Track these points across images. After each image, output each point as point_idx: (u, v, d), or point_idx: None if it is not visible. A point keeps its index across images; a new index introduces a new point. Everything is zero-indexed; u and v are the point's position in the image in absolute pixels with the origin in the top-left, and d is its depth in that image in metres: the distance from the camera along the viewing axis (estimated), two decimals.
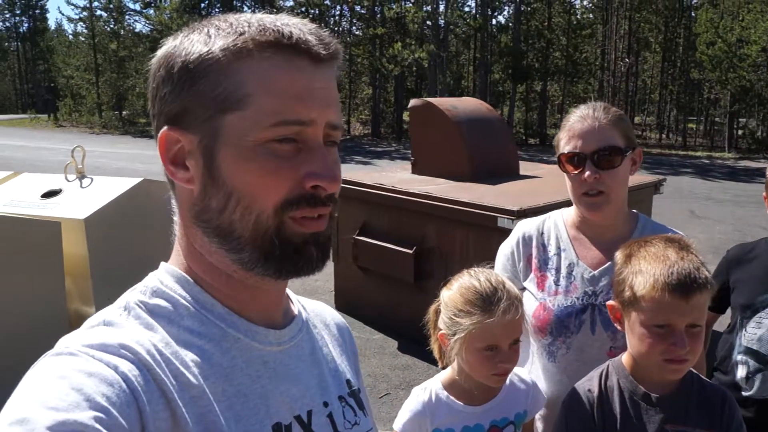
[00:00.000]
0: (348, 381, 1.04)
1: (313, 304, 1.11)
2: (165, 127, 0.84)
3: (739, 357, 2.24)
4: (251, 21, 0.84)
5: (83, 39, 38.18)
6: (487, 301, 1.63)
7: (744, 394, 2.20)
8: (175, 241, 0.93)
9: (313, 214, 0.84)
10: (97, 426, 0.65)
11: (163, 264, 0.92)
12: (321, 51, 0.84)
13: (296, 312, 1.00)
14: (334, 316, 1.14)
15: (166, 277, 0.89)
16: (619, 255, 1.65)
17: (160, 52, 0.86)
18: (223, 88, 0.81)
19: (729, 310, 2.42)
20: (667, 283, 1.46)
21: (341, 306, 6.41)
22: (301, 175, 0.82)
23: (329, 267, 6.82)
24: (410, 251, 5.49)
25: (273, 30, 0.82)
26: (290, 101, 0.82)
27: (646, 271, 1.51)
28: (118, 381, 0.71)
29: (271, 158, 0.81)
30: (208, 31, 0.84)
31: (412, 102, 6.55)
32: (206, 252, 0.88)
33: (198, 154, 0.84)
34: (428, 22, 29.07)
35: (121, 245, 3.86)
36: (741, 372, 2.23)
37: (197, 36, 0.84)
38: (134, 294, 0.87)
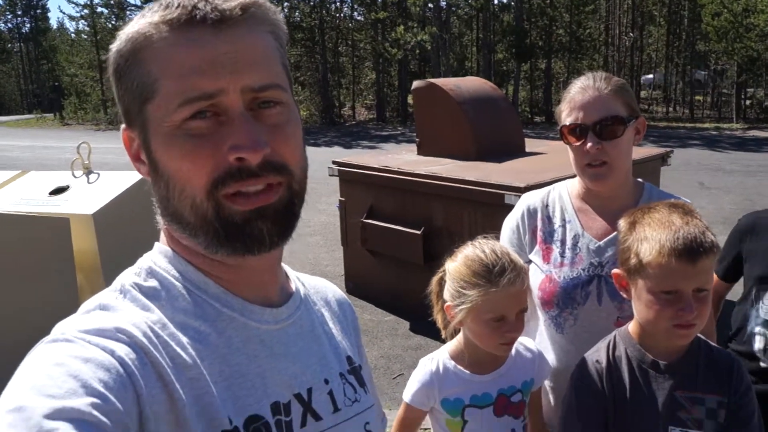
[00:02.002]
0: (349, 358, 1.03)
1: (313, 280, 1.11)
2: (122, 126, 0.88)
3: (757, 329, 2.20)
4: (157, 2, 0.83)
5: (85, 37, 38.16)
6: (492, 272, 1.64)
7: (762, 365, 2.17)
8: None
9: (247, 188, 0.81)
10: (95, 412, 0.65)
11: (157, 244, 0.92)
12: (213, 14, 0.79)
13: (294, 289, 1.00)
14: (335, 292, 1.14)
15: (160, 258, 0.89)
16: (622, 223, 1.64)
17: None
18: (139, 80, 0.82)
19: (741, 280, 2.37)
20: (674, 249, 1.45)
21: (352, 290, 6.43)
22: (225, 150, 0.79)
23: (339, 251, 6.84)
24: (418, 232, 5.50)
25: (162, 5, 0.81)
26: (191, 77, 0.79)
27: (651, 237, 1.50)
28: (114, 365, 0.71)
29: (188, 139, 0.80)
30: (127, 28, 0.85)
31: (415, 83, 6.53)
32: (179, 237, 0.88)
33: (143, 147, 0.86)
34: (430, 5, 28.87)
35: (130, 238, 3.86)
36: (759, 344, 2.20)
37: (117, 39, 0.86)
38: (129, 276, 0.87)
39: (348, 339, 1.07)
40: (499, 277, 1.63)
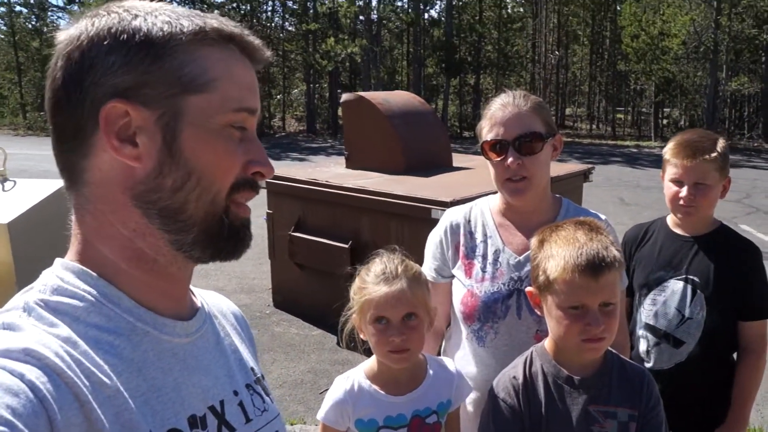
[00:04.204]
0: (252, 369, 1.05)
1: (208, 295, 1.11)
2: (114, 99, 0.80)
3: (641, 332, 2.37)
4: (202, 15, 0.88)
5: (2, 37, 36.59)
6: (376, 275, 1.70)
7: (646, 365, 2.32)
8: (74, 233, 0.88)
9: (252, 198, 0.92)
10: None
11: (58, 260, 0.88)
12: (261, 56, 0.92)
13: (199, 304, 1.00)
14: (230, 306, 1.15)
15: (66, 274, 0.85)
16: (533, 241, 1.68)
17: (95, 27, 0.82)
18: (189, 70, 0.83)
19: None
20: (577, 265, 1.50)
21: (279, 303, 6.36)
22: (244, 161, 0.88)
23: (266, 264, 6.75)
24: (346, 246, 5.48)
25: (232, 26, 0.89)
26: (246, 91, 0.89)
27: (557, 254, 1.55)
28: (24, 390, 0.68)
29: (229, 141, 0.87)
30: (165, 13, 0.84)
31: (345, 96, 6.53)
32: (138, 235, 0.86)
33: (155, 131, 0.82)
34: (361, 17, 29.06)
35: (47, 250, 3.69)
36: (642, 346, 2.37)
37: (151, 17, 0.83)
38: (32, 294, 0.82)
39: (247, 350, 1.09)
40: (378, 278, 1.69)
